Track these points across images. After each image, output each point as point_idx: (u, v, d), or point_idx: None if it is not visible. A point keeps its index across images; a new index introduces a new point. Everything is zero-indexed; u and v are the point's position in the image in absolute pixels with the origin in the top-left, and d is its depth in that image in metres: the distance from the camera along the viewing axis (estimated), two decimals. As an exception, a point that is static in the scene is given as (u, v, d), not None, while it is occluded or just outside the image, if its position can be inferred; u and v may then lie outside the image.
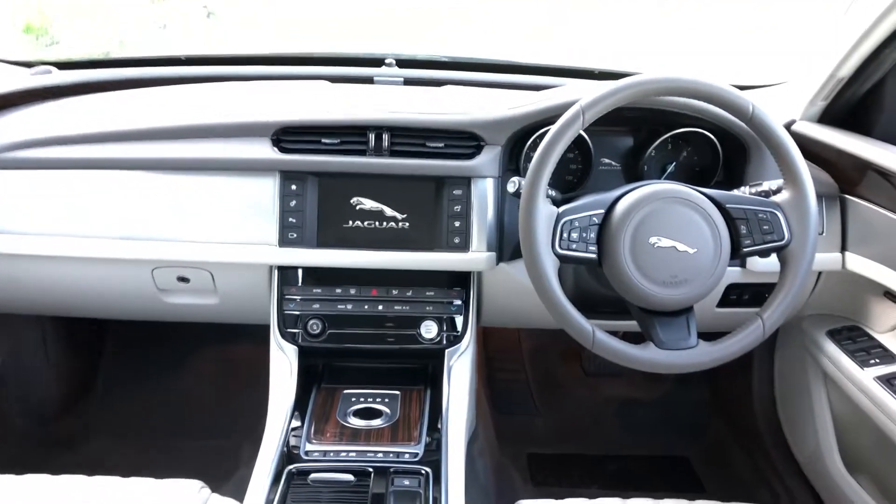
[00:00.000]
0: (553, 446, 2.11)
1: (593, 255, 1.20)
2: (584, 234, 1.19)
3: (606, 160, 1.52)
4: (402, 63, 1.86)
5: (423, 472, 1.18)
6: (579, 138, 1.44)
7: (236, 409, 1.55)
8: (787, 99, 1.57)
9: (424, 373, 1.45)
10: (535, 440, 2.14)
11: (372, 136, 1.39)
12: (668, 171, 1.50)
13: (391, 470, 1.18)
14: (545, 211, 1.18)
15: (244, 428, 1.44)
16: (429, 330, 1.42)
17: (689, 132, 1.46)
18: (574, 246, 1.19)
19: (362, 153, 1.39)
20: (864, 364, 1.42)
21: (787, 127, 1.50)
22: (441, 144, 1.40)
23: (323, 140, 1.39)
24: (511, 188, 1.28)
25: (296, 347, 1.42)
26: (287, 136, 1.40)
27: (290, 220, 1.38)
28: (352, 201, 1.39)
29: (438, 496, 1.14)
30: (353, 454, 1.22)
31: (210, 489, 1.24)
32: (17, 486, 1.17)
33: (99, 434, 2.01)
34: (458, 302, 1.45)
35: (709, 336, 1.22)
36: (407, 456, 1.22)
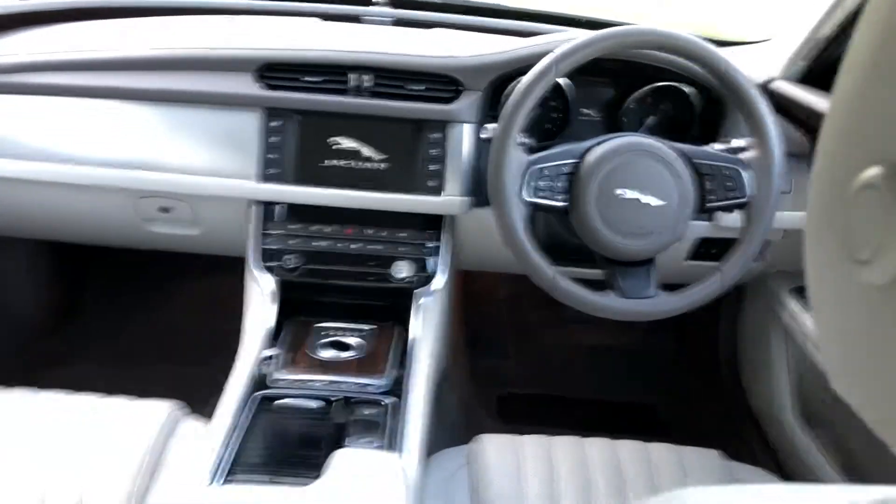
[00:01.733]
0: (525, 388, 2.18)
1: (561, 204, 1.23)
2: (553, 183, 1.22)
3: (586, 111, 1.53)
4: (394, 2, 1.86)
5: (385, 402, 1.23)
6: (560, 88, 1.46)
7: (217, 339, 1.60)
8: (768, 56, 1.58)
9: (396, 311, 1.49)
10: (508, 382, 2.20)
11: (353, 76, 1.40)
12: (647, 123, 1.52)
13: (354, 400, 1.23)
14: (515, 158, 1.21)
15: (224, 357, 1.49)
16: (400, 270, 1.46)
17: (669, 86, 1.47)
18: (542, 194, 1.22)
19: (343, 92, 1.41)
20: None
21: (766, 85, 1.51)
22: (422, 87, 1.41)
23: (305, 78, 1.41)
24: (484, 135, 1.30)
25: (271, 280, 1.46)
26: (271, 72, 1.41)
27: (271, 155, 1.40)
28: (329, 140, 1.41)
29: (397, 426, 1.19)
30: (320, 384, 1.27)
31: (185, 411, 1.30)
32: None
33: (82, 357, 2.07)
34: (431, 244, 1.48)
35: (677, 288, 1.26)
36: (372, 388, 1.27)
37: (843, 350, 0.38)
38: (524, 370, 2.25)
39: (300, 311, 1.48)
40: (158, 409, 1.24)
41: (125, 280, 2.29)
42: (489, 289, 2.38)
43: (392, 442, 1.15)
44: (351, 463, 1.01)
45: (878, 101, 0.34)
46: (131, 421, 1.21)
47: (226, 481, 1.04)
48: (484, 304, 2.36)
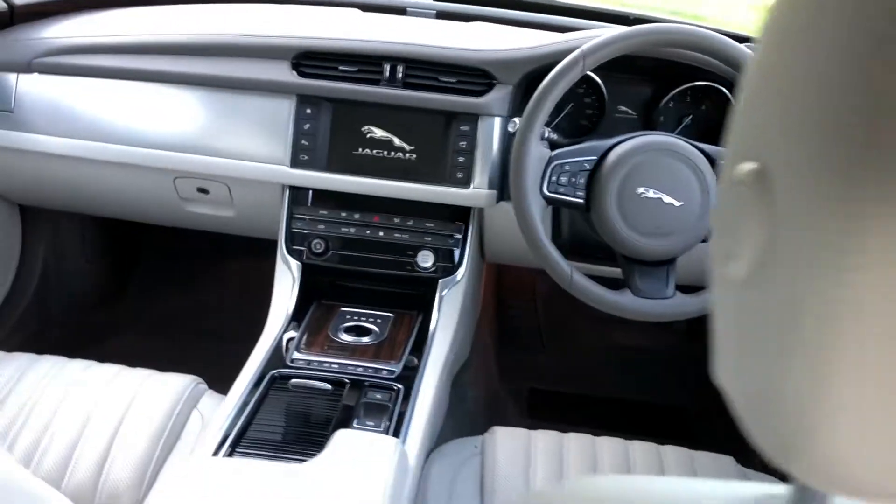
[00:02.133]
0: (555, 385, 2.17)
1: (580, 200, 1.23)
2: (574, 179, 1.22)
3: (623, 108, 1.52)
4: (435, -6, 1.86)
5: (395, 388, 1.25)
6: (596, 84, 1.45)
7: (254, 318, 1.65)
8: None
9: (420, 300, 1.51)
10: (537, 377, 2.19)
11: (387, 67, 1.42)
12: (684, 123, 1.50)
13: (366, 383, 1.25)
14: (536, 153, 1.21)
15: (257, 336, 1.54)
16: (425, 259, 1.47)
17: (709, 87, 1.45)
18: (562, 190, 1.22)
19: (377, 83, 1.43)
20: None
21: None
22: (454, 80, 1.42)
23: (340, 67, 1.43)
24: (511, 128, 1.31)
25: (299, 264, 1.49)
26: (306, 60, 1.44)
27: (303, 142, 1.43)
28: (363, 129, 1.43)
29: (405, 411, 1.21)
30: (335, 366, 1.29)
31: (207, 385, 1.34)
32: (32, 363, 1.29)
33: (126, 330, 2.15)
34: (457, 235, 1.49)
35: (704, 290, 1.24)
36: (384, 372, 1.29)
37: (720, 342, 0.38)
38: (556, 367, 2.24)
39: (326, 295, 1.51)
40: (183, 382, 1.29)
41: (171, 261, 2.37)
42: (525, 283, 2.37)
43: (397, 426, 1.17)
44: (348, 443, 1.03)
45: (758, 102, 0.34)
46: (154, 392, 1.26)
47: (230, 454, 1.08)
48: (519, 298, 2.36)
